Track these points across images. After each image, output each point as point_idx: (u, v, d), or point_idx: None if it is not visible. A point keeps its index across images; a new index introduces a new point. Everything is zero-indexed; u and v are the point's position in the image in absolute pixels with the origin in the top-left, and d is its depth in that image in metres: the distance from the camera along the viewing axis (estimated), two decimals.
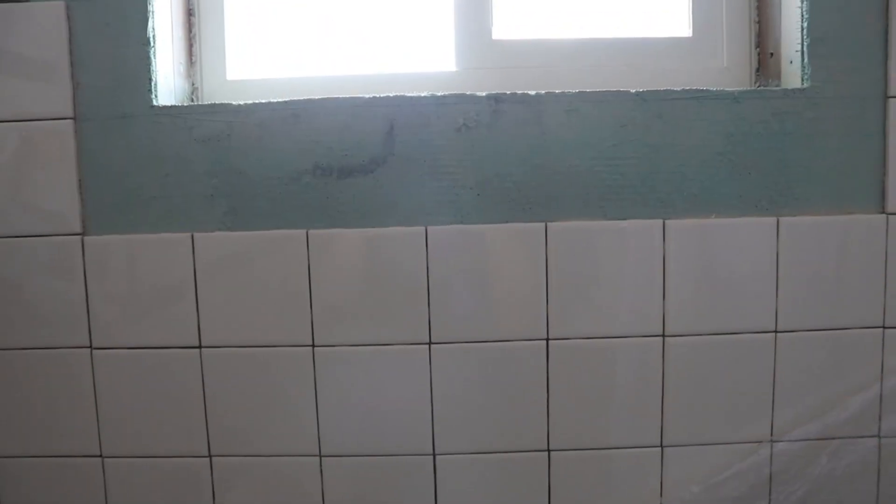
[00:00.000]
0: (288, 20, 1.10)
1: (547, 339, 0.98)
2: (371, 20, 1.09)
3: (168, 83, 1.00)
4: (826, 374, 0.99)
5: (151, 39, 0.95)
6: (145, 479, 1.01)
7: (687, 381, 0.99)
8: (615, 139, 0.96)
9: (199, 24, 1.07)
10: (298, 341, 0.98)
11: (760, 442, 0.99)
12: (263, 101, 0.96)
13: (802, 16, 0.95)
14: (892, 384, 0.98)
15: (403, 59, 1.08)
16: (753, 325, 0.98)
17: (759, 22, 1.06)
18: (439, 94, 0.96)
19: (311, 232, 0.97)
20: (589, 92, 0.96)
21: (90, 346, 0.99)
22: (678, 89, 0.96)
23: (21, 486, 1.02)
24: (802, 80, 0.96)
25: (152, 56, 0.96)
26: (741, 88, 0.99)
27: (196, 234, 0.97)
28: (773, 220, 0.96)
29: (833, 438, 0.99)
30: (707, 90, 0.96)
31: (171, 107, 0.97)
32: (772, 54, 1.04)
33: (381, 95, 0.96)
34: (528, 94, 0.95)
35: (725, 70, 1.06)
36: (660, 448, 1.00)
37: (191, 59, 1.07)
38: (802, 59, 0.96)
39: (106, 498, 1.01)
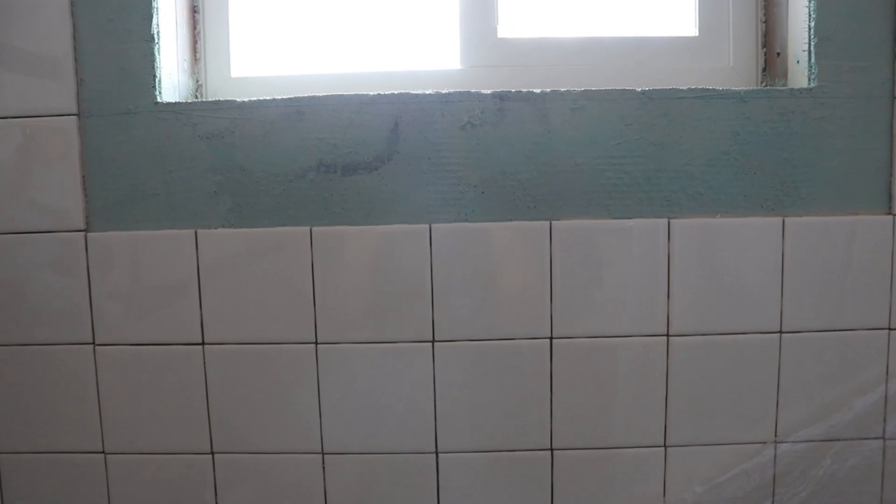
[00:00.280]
0: (292, 17, 1.09)
1: (551, 338, 0.97)
2: (376, 18, 1.09)
3: (172, 80, 1.00)
4: (831, 376, 0.98)
5: (156, 36, 0.95)
6: (147, 475, 1.01)
7: (691, 381, 0.98)
8: (620, 138, 0.95)
9: (204, 21, 1.07)
10: (301, 339, 0.98)
11: (764, 443, 0.99)
12: (268, 98, 0.96)
13: (810, 15, 0.95)
14: None
15: (408, 57, 1.08)
16: (758, 325, 0.97)
17: (765, 21, 1.05)
18: (444, 91, 0.96)
19: (314, 229, 0.97)
20: (594, 90, 0.95)
21: (93, 343, 0.99)
22: (684, 88, 0.95)
23: (24, 482, 1.02)
24: (809, 79, 0.96)
25: (156, 53, 0.95)
26: (747, 88, 0.98)
27: (200, 231, 0.97)
28: (778, 220, 0.96)
29: (837, 440, 0.99)
30: (713, 89, 0.95)
31: (175, 103, 0.97)
32: (778, 54, 1.03)
33: (386, 93, 0.96)
34: (533, 93, 0.95)
35: (732, 69, 1.05)
36: (663, 448, 1.00)
37: (195, 56, 1.07)
38: (809, 59, 0.96)
39: (108, 494, 1.01)
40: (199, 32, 1.07)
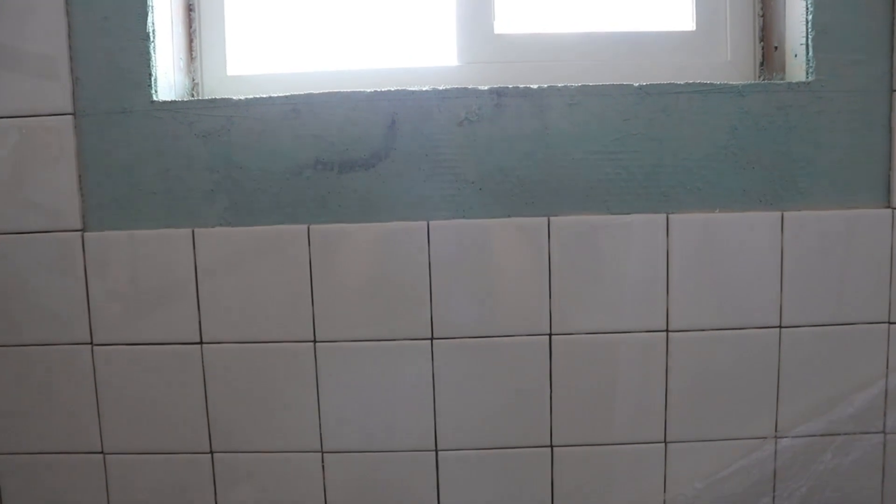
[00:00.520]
0: (288, 15, 1.09)
1: (550, 335, 0.97)
2: (372, 14, 1.09)
3: (168, 78, 1.00)
4: (831, 370, 0.98)
5: (151, 34, 0.95)
6: (147, 475, 1.01)
7: (691, 377, 0.98)
8: (618, 133, 0.95)
9: (199, 19, 1.06)
10: (300, 337, 0.98)
11: (765, 438, 0.99)
12: (264, 95, 0.96)
13: (807, 8, 0.94)
14: None
15: (405, 54, 1.08)
16: (758, 320, 0.97)
17: (763, 15, 1.05)
18: (441, 88, 0.96)
19: (312, 227, 0.96)
20: (592, 86, 0.95)
21: (91, 343, 0.98)
22: (682, 83, 0.95)
23: (22, 482, 1.02)
24: (807, 73, 0.96)
25: (152, 51, 0.95)
26: (745, 82, 0.98)
27: (197, 230, 0.97)
28: (777, 214, 0.96)
29: (838, 434, 0.99)
30: (711, 84, 0.95)
31: (172, 102, 0.96)
32: (776, 48, 1.03)
33: (383, 90, 0.95)
34: (530, 88, 0.95)
35: (729, 63, 1.05)
36: (663, 444, 0.99)
37: (191, 55, 1.07)
38: (807, 53, 0.95)
39: (107, 494, 1.01)
40: (194, 30, 1.07)
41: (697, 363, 0.98)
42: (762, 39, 1.05)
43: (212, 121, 0.96)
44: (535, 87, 0.95)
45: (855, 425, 0.99)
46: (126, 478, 1.01)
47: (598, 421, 0.99)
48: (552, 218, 0.96)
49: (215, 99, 0.96)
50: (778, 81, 0.99)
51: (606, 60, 1.05)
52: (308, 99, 0.95)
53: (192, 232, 0.97)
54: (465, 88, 0.95)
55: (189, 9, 1.06)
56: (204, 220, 0.97)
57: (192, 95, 1.07)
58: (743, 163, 0.96)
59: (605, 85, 0.95)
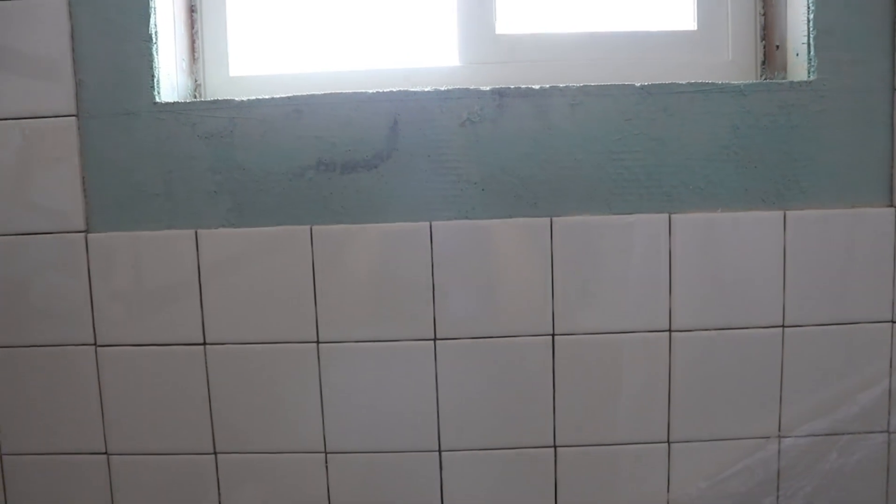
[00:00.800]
0: (290, 15, 1.09)
1: (553, 335, 0.97)
2: (374, 15, 1.09)
3: (171, 80, 1.00)
4: (834, 369, 0.98)
5: (154, 36, 0.95)
6: (150, 476, 1.01)
7: (694, 377, 0.98)
8: (620, 133, 0.95)
9: (202, 21, 1.07)
10: (303, 338, 0.98)
11: (768, 437, 0.99)
12: (266, 96, 0.96)
13: (808, 7, 0.94)
14: None
15: (407, 54, 1.08)
16: (761, 319, 0.97)
17: (764, 14, 1.05)
18: (443, 88, 0.96)
19: (315, 228, 0.96)
20: (593, 86, 0.95)
21: (95, 344, 0.99)
22: (683, 83, 0.95)
23: (27, 483, 1.02)
24: (809, 72, 0.96)
25: (154, 53, 0.95)
26: (747, 81, 0.98)
27: (200, 231, 0.97)
28: (779, 213, 0.96)
29: (842, 434, 0.98)
30: (713, 83, 0.95)
31: (174, 103, 0.97)
32: (777, 47, 1.03)
33: (385, 90, 0.96)
34: (532, 89, 0.95)
35: (731, 63, 1.05)
36: (667, 444, 0.99)
37: (193, 56, 1.07)
38: (809, 52, 0.95)
39: (111, 495, 1.01)
40: (196, 32, 1.07)
41: (700, 363, 0.98)
42: (763, 38, 1.05)
43: (214, 122, 0.96)
44: (536, 87, 0.95)
45: (859, 425, 0.98)
46: (130, 479, 1.01)
47: (602, 421, 0.99)
48: (555, 218, 0.96)
49: (218, 100, 0.96)
50: (779, 80, 0.99)
51: (608, 60, 1.05)
52: (310, 100, 0.95)
53: (196, 233, 0.97)
54: (467, 89, 0.95)
55: (191, 10, 1.06)
56: (207, 221, 0.97)
57: (195, 97, 1.07)
58: (745, 162, 0.95)
59: (607, 85, 0.95)
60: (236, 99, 0.96)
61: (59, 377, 0.99)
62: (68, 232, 0.97)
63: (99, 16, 0.95)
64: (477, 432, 0.99)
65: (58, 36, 0.95)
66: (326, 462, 1.00)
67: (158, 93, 0.96)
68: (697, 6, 1.05)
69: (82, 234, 0.97)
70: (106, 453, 1.01)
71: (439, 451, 0.99)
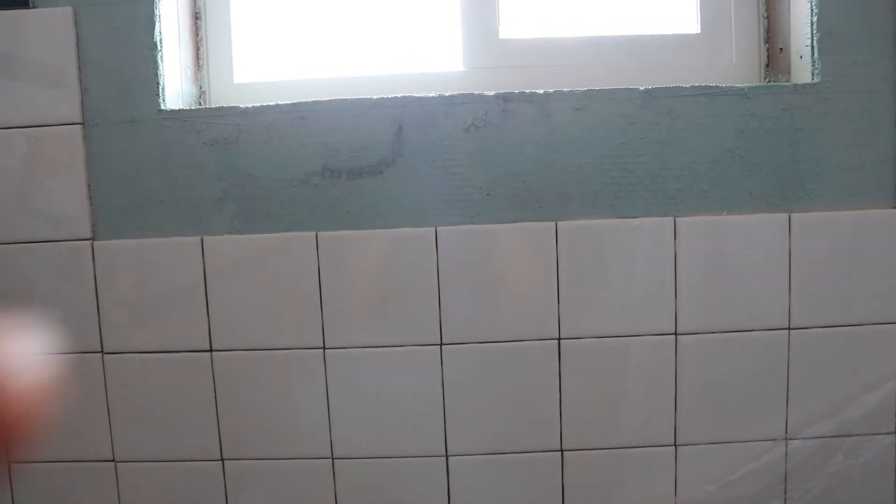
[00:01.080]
0: (294, 22, 1.10)
1: (559, 339, 0.97)
2: (378, 21, 1.09)
3: (175, 87, 1.00)
4: (840, 371, 0.98)
5: (158, 44, 0.95)
6: (158, 483, 1.01)
7: (700, 380, 0.98)
8: (624, 137, 0.95)
9: (206, 28, 1.07)
10: (309, 344, 0.98)
11: (775, 440, 0.99)
12: (271, 103, 0.96)
13: (812, 10, 0.95)
14: None
15: (411, 60, 1.08)
16: (766, 322, 0.97)
17: (767, 17, 1.05)
18: (447, 94, 0.96)
19: (320, 234, 0.97)
20: (597, 90, 0.95)
21: (101, 351, 0.99)
22: (687, 86, 0.95)
23: (34, 490, 1.02)
24: (812, 74, 0.96)
25: (159, 60, 0.96)
26: (751, 84, 0.98)
27: (205, 238, 0.97)
28: (784, 216, 0.96)
29: (849, 436, 0.98)
30: (716, 86, 0.95)
31: (179, 110, 0.97)
32: (781, 49, 1.03)
33: (389, 96, 0.96)
34: (536, 93, 0.95)
35: (734, 66, 1.05)
36: (673, 447, 0.99)
37: (198, 63, 1.07)
38: (812, 54, 0.95)
39: (119, 502, 1.01)
40: (201, 39, 1.07)
41: (706, 366, 0.98)
42: (767, 41, 1.05)
43: (219, 129, 0.96)
44: (540, 91, 0.95)
45: (866, 426, 0.98)
46: (137, 485, 1.01)
47: (608, 425, 0.99)
48: (560, 222, 0.96)
49: (222, 107, 0.97)
50: (783, 83, 0.99)
51: (611, 64, 1.05)
52: (315, 106, 0.96)
53: (201, 240, 0.97)
54: (472, 94, 0.95)
55: (196, 17, 1.07)
56: (212, 228, 0.97)
57: (200, 104, 1.07)
58: (749, 165, 0.96)
59: (611, 89, 0.95)
60: (241, 106, 0.96)
61: (65, 385, 0.99)
62: (74, 239, 0.97)
63: (104, 24, 0.95)
64: (484, 437, 0.99)
65: (64, 44, 0.95)
66: (333, 468, 1.00)
67: (163, 100, 0.96)
68: (701, 9, 1.05)
69: (88, 242, 0.97)
70: (113, 460, 1.01)
71: (446, 455, 0.99)
